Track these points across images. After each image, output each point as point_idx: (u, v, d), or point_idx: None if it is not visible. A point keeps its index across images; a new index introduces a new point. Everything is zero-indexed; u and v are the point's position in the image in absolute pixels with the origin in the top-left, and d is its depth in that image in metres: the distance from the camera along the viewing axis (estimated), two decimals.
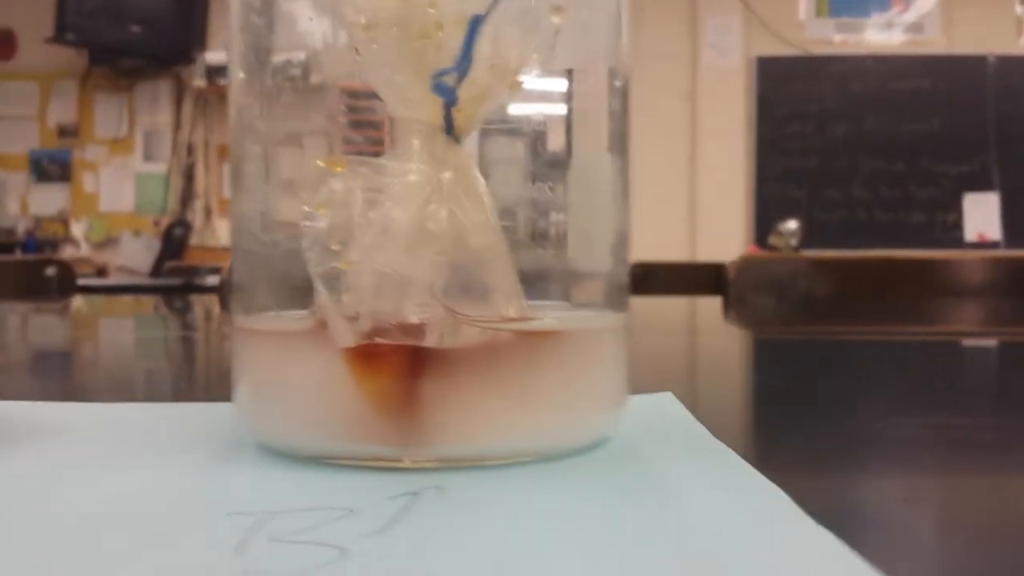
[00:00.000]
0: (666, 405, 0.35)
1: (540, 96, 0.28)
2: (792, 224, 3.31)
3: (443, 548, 0.19)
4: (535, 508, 0.22)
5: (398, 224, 0.25)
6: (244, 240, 0.28)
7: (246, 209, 0.28)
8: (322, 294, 0.25)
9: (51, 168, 4.10)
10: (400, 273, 0.25)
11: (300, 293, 0.27)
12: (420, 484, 0.23)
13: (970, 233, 3.42)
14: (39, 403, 0.35)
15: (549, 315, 0.27)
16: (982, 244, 3.39)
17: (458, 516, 0.21)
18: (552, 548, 0.19)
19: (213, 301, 1.43)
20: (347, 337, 0.24)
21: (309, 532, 0.19)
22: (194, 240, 4.00)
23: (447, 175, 0.25)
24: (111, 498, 0.22)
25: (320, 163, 0.25)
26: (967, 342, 0.81)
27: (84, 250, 3.97)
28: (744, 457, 0.26)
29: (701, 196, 3.67)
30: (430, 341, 0.25)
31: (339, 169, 0.25)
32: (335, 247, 0.25)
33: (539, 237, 0.28)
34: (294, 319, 0.26)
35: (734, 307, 1.27)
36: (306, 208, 0.25)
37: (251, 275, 0.28)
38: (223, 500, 0.22)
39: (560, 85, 0.29)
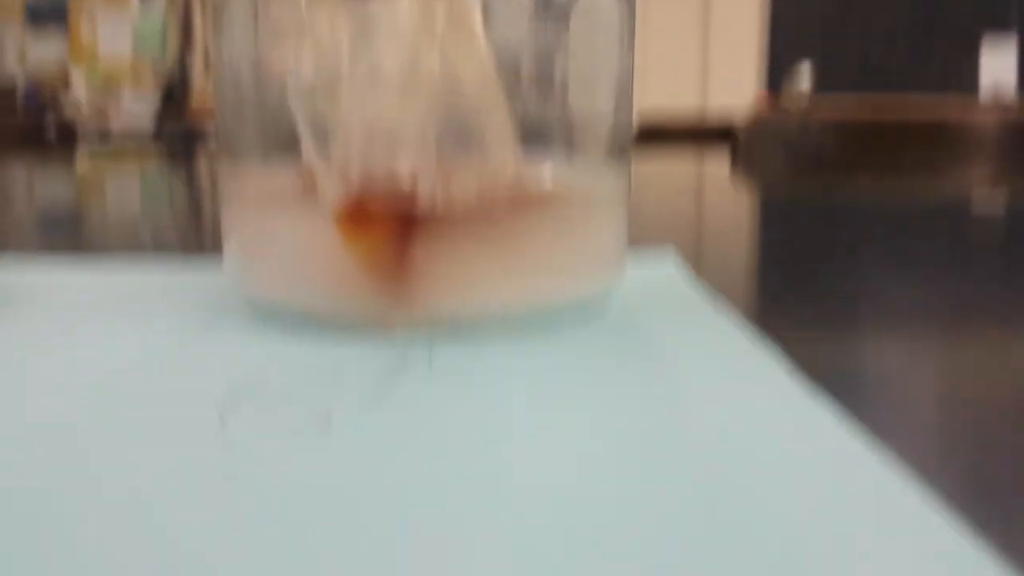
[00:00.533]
0: (666, 261, 0.34)
1: None
2: (805, 67, 3.24)
3: (432, 411, 0.18)
4: (528, 370, 0.21)
5: (388, 71, 0.23)
6: (227, 89, 0.26)
7: (227, 56, 0.27)
8: (309, 148, 0.24)
9: (47, 15, 4.01)
10: (390, 124, 0.24)
11: (288, 147, 0.26)
12: (411, 348, 0.23)
13: (986, 79, 3.35)
14: (33, 259, 0.34)
15: (546, 171, 0.26)
16: (997, 94, 3.32)
17: (448, 379, 0.20)
18: (543, 411, 0.18)
19: (216, 156, 1.41)
20: (335, 194, 0.23)
21: (295, 396, 0.19)
22: (195, 94, 3.94)
23: (440, 6, 0.23)
24: (93, 359, 0.22)
25: None
26: (977, 201, 0.80)
27: (84, 104, 3.92)
28: (745, 317, 0.26)
29: (712, 38, 3.58)
30: (422, 198, 0.24)
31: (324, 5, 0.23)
32: (322, 96, 0.23)
33: (539, 84, 0.27)
34: (282, 174, 0.25)
35: (742, 164, 1.25)
36: (290, 53, 0.23)
37: (236, 127, 0.27)
38: (209, 364, 0.22)
39: None
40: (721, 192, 0.88)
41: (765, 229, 0.60)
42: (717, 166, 1.21)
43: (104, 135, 3.39)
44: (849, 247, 0.45)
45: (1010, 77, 3.28)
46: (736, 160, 1.32)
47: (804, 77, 3.15)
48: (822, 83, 3.24)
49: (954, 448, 0.18)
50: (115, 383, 0.20)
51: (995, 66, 3.25)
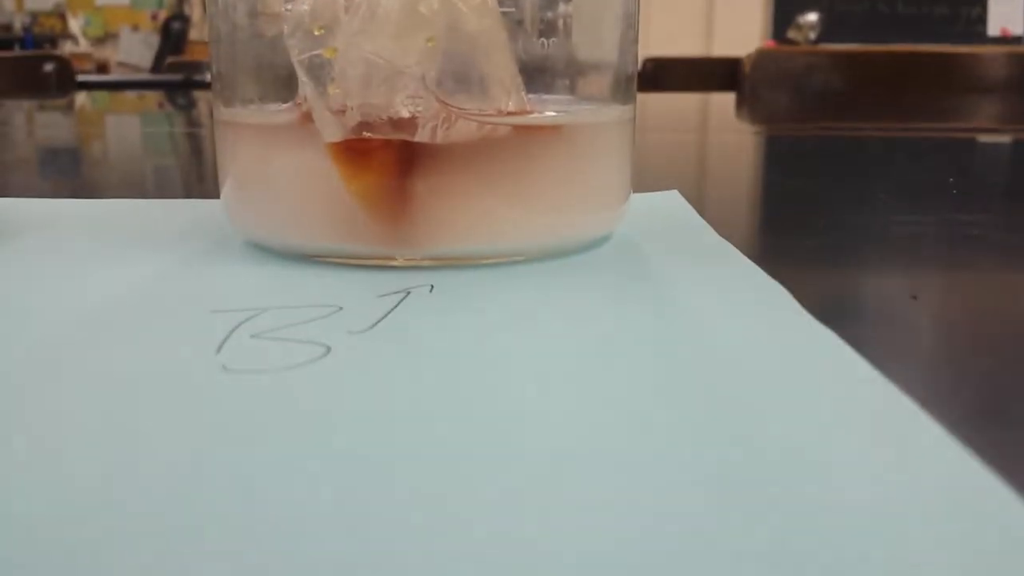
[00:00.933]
0: (671, 202, 0.34)
1: None
2: (812, 16, 3.19)
3: (432, 346, 0.18)
4: (528, 307, 0.21)
5: (387, 6, 0.23)
6: (223, 26, 0.26)
7: None
8: (306, 85, 0.23)
9: None
10: (389, 61, 0.23)
11: (284, 84, 0.25)
12: (412, 282, 0.22)
13: (993, 28, 3.30)
14: (31, 200, 0.34)
15: (549, 108, 0.26)
16: (1005, 39, 3.28)
17: (449, 315, 0.20)
18: (544, 348, 0.18)
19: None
20: (334, 131, 0.23)
21: (294, 329, 0.19)
22: (193, 34, 3.89)
23: None
24: (93, 294, 0.22)
25: None
26: (983, 139, 0.79)
27: (83, 46, 3.88)
28: (749, 254, 0.25)
29: None
30: (422, 136, 0.23)
31: None
32: (319, 32, 0.23)
33: (541, 23, 0.26)
34: (279, 112, 0.25)
35: (748, 103, 1.24)
36: None
37: (232, 64, 0.27)
38: (207, 297, 0.21)
39: None
40: (726, 130, 0.87)
41: (769, 167, 0.60)
42: (723, 104, 1.20)
43: (102, 70, 3.36)
44: (853, 183, 0.44)
45: (1018, 26, 3.23)
46: (742, 98, 1.31)
47: (811, 28, 3.11)
48: (829, 35, 3.19)
49: (957, 380, 0.18)
50: (112, 310, 0.20)
51: (1003, 14, 3.20)
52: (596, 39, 0.28)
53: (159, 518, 0.11)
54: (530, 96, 0.25)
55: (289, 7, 0.23)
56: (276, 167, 0.25)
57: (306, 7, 0.23)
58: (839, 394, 0.16)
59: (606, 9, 0.27)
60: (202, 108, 1.13)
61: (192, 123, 0.94)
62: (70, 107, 1.18)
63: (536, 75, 0.26)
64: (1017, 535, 0.11)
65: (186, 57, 3.49)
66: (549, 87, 0.27)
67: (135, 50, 3.88)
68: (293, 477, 0.12)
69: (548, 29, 0.26)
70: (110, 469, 0.13)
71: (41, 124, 0.94)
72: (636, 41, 0.28)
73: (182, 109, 1.15)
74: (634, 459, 0.13)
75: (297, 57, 0.23)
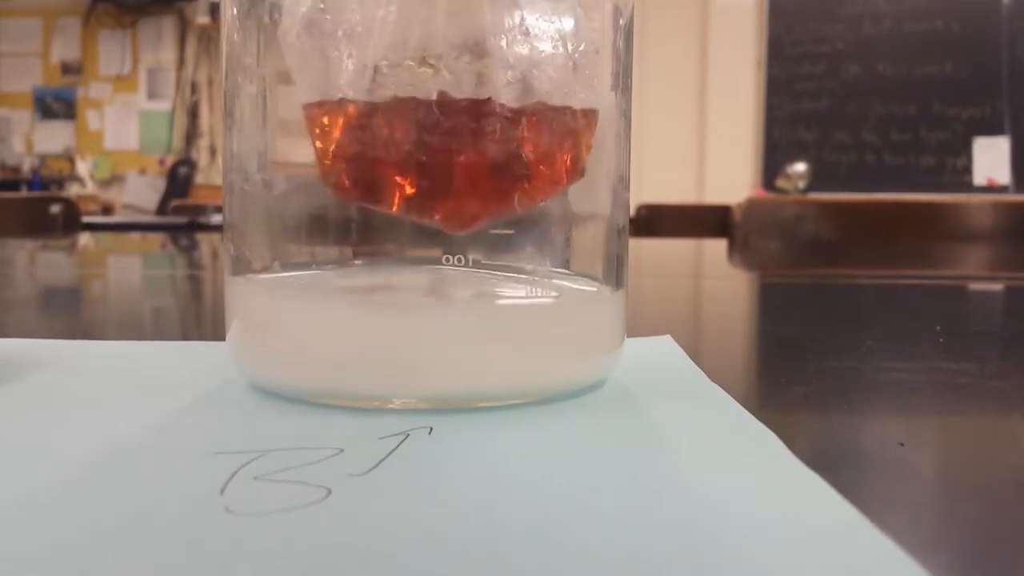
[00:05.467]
0: (664, 347, 0.35)
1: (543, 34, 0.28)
2: (801, 166, 3.29)
3: (431, 489, 0.19)
4: (526, 451, 0.22)
5: None
6: (236, 179, 0.27)
7: (238, 149, 0.28)
8: None
9: (55, 105, 4.09)
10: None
11: (294, 234, 0.27)
12: (411, 425, 0.23)
13: (979, 177, 3.39)
14: (34, 341, 0.35)
15: (545, 279, 0.27)
16: (991, 189, 3.37)
17: (448, 458, 0.21)
18: (542, 491, 0.19)
19: (219, 239, 1.43)
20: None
21: (295, 471, 0.19)
22: (199, 179, 3.99)
23: None
24: (98, 436, 0.22)
25: None
26: (973, 287, 0.80)
27: (90, 188, 3.97)
28: (742, 400, 0.26)
29: (709, 137, 3.65)
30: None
31: None
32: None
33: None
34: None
35: (740, 250, 1.26)
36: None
37: (243, 215, 0.28)
38: (211, 440, 0.22)
39: (565, 23, 0.28)
40: (719, 276, 0.89)
41: (760, 313, 0.61)
42: (716, 250, 1.22)
43: (108, 212, 3.42)
44: (845, 330, 0.45)
45: (1003, 176, 3.32)
46: (733, 245, 1.33)
47: (800, 177, 3.20)
48: (817, 185, 3.29)
49: (946, 528, 0.18)
50: (116, 451, 0.21)
51: (988, 164, 3.30)
52: (590, 199, 0.29)
53: None
54: (527, 267, 0.26)
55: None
56: (283, 314, 0.26)
57: None
58: (827, 541, 0.16)
59: (600, 164, 0.29)
60: (204, 250, 1.15)
61: (193, 265, 0.95)
62: (72, 247, 1.20)
63: (534, 225, 0.27)
64: None
65: (191, 200, 3.57)
66: (546, 238, 0.28)
67: (141, 193, 3.97)
68: None
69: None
70: None
71: (43, 264, 0.96)
72: (628, 200, 0.30)
73: (184, 251, 1.17)
74: None
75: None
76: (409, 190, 0.24)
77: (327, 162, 0.25)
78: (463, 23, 0.24)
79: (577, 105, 0.26)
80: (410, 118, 0.24)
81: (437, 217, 0.25)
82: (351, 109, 0.24)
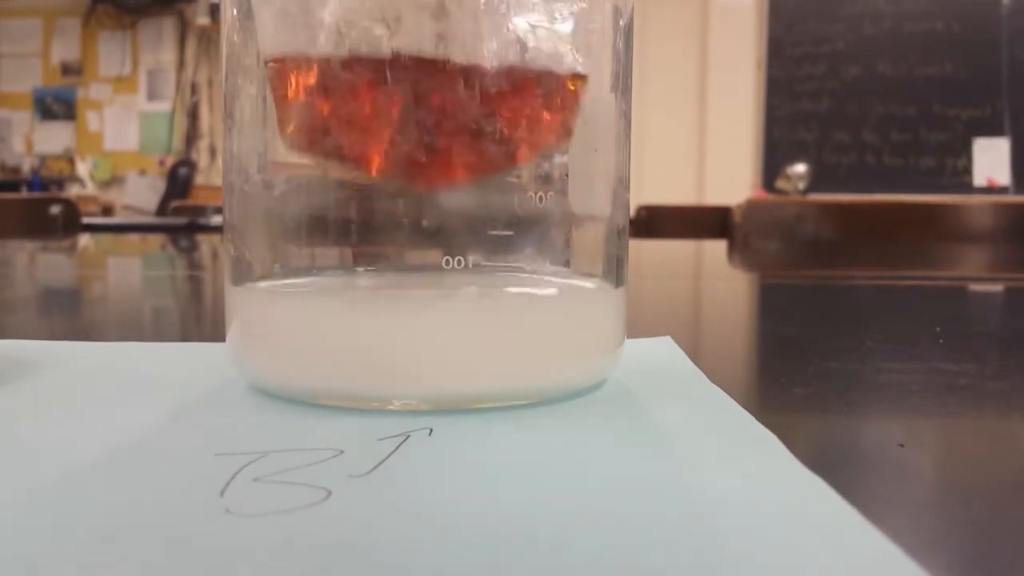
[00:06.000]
0: (664, 348, 0.35)
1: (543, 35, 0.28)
2: (800, 167, 3.29)
3: (431, 490, 0.19)
4: (526, 452, 0.22)
5: None
6: (236, 181, 0.27)
7: (238, 150, 0.28)
8: None
9: (55, 106, 4.09)
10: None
11: (295, 235, 0.27)
12: (411, 426, 0.23)
13: (979, 178, 3.40)
14: (35, 342, 0.35)
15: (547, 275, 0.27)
16: (991, 189, 3.37)
17: (448, 459, 0.21)
18: (542, 492, 0.19)
19: (219, 240, 1.43)
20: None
21: (295, 473, 0.19)
22: (199, 180, 3.99)
23: None
24: (98, 436, 0.22)
25: None
26: (973, 287, 0.80)
27: (89, 189, 3.97)
28: (742, 401, 0.26)
29: (709, 137, 3.65)
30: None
31: None
32: None
33: (538, 179, 0.28)
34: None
35: (740, 251, 1.26)
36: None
37: (243, 216, 0.28)
38: (211, 441, 0.22)
39: (564, 24, 0.29)
40: (719, 277, 0.89)
41: (760, 313, 0.61)
42: (715, 251, 1.22)
43: (108, 213, 3.42)
44: (844, 330, 0.45)
45: (1003, 177, 3.32)
46: (733, 246, 1.33)
47: (800, 179, 3.20)
48: (817, 186, 3.29)
49: (945, 528, 0.18)
50: (116, 452, 0.21)
51: (988, 165, 3.30)
52: (590, 195, 0.29)
53: None
54: (527, 268, 0.26)
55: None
56: (284, 315, 0.26)
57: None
58: (827, 542, 0.16)
59: (600, 166, 0.29)
60: (204, 251, 1.15)
61: (193, 266, 0.95)
62: (72, 249, 1.20)
63: (533, 228, 0.27)
64: None
65: (191, 201, 3.57)
66: (546, 241, 0.28)
67: (141, 193, 3.97)
68: None
69: (544, 185, 0.27)
70: None
71: (43, 265, 0.96)
72: (627, 196, 0.30)
73: (184, 252, 1.17)
74: None
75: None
76: (365, 149, 0.24)
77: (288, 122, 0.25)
78: None
79: (561, 70, 0.26)
80: (365, 79, 0.24)
81: (395, 175, 0.25)
82: (312, 66, 0.24)
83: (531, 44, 0.25)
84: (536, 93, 0.25)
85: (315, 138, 0.25)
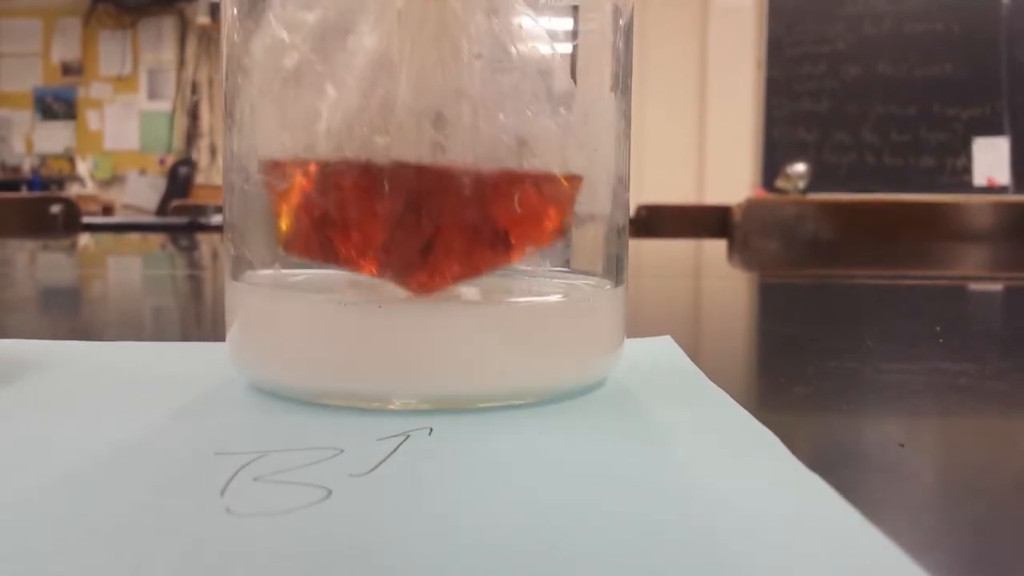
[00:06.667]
0: (664, 348, 0.35)
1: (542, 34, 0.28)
2: (800, 167, 3.28)
3: (431, 489, 0.19)
4: (526, 450, 0.22)
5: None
6: (237, 180, 0.27)
7: (238, 149, 0.28)
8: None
9: (56, 106, 4.09)
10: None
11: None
12: (411, 426, 0.23)
13: (979, 178, 3.40)
14: (35, 342, 0.35)
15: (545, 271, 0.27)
16: (991, 189, 3.37)
17: (448, 458, 0.21)
18: (542, 490, 0.19)
19: (219, 239, 1.43)
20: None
21: (296, 472, 0.19)
22: (199, 179, 3.99)
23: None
24: (98, 436, 0.22)
25: None
26: (973, 287, 0.80)
27: (90, 188, 3.97)
28: (742, 401, 0.26)
29: (709, 137, 3.65)
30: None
31: None
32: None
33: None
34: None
35: (739, 250, 1.26)
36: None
37: (244, 216, 0.28)
38: (211, 440, 0.22)
39: (564, 23, 0.29)
40: (718, 276, 0.89)
41: (760, 313, 0.61)
42: (715, 251, 1.22)
43: (108, 212, 3.42)
44: (845, 330, 0.45)
45: (1003, 176, 3.32)
46: (733, 245, 1.33)
47: (800, 178, 3.20)
48: (817, 185, 3.28)
49: (945, 528, 0.18)
50: (116, 452, 0.21)
51: (988, 165, 3.30)
52: (590, 194, 0.29)
53: None
54: (527, 267, 0.26)
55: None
56: (284, 315, 0.26)
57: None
58: (827, 542, 0.16)
59: (599, 165, 0.29)
60: (204, 250, 1.15)
61: (194, 265, 0.95)
62: (73, 248, 1.20)
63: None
64: None
65: (191, 200, 3.57)
66: (544, 252, 0.28)
67: (142, 193, 3.97)
68: None
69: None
70: None
71: (43, 264, 0.96)
72: (627, 200, 0.30)
73: (184, 251, 1.17)
74: None
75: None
76: (358, 253, 0.25)
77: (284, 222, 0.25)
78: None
79: (558, 171, 0.26)
80: (361, 182, 0.24)
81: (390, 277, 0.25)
82: (311, 168, 0.24)
83: (528, 147, 0.25)
84: (532, 194, 0.25)
85: (311, 242, 0.25)
